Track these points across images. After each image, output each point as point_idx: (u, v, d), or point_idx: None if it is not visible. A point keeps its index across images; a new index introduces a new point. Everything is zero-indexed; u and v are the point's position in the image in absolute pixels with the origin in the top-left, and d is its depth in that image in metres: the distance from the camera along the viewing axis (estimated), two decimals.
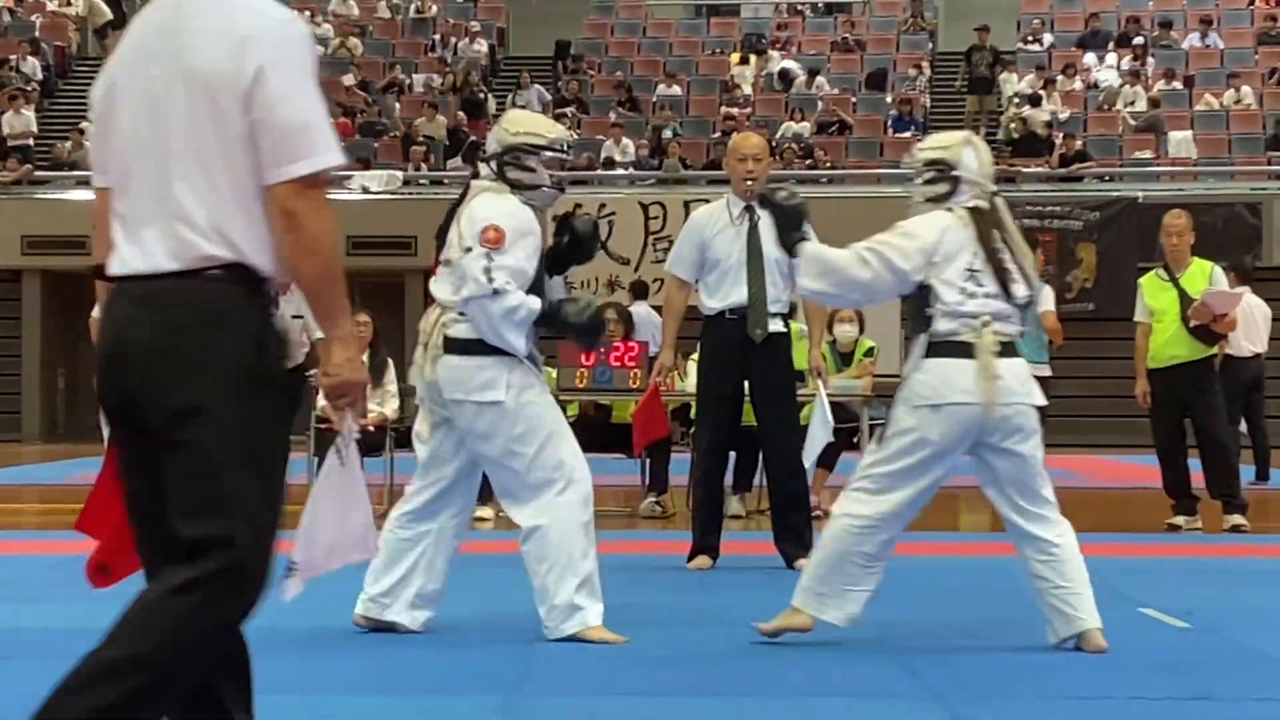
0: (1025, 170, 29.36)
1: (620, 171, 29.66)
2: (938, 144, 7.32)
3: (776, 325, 10.04)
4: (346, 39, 35.14)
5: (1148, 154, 30.30)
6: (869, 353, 14.42)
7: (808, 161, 30.12)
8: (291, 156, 3.98)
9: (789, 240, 7.38)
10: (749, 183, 10.05)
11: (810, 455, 9.90)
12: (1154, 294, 13.02)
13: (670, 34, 36.39)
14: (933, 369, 6.99)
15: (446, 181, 30.23)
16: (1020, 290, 7.02)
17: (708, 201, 10.69)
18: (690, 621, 8.00)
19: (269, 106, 3.95)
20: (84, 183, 30.22)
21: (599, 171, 29.72)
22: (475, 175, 7.50)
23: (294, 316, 14.31)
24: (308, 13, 36.14)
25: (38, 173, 30.12)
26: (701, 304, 10.20)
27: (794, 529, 10.09)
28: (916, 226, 7.07)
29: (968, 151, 7.17)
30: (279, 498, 4.00)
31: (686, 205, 26.41)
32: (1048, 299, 14.98)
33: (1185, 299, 12.74)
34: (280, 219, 3.97)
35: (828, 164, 30.32)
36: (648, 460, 14.41)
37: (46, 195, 28.58)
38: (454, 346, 7.19)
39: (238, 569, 3.87)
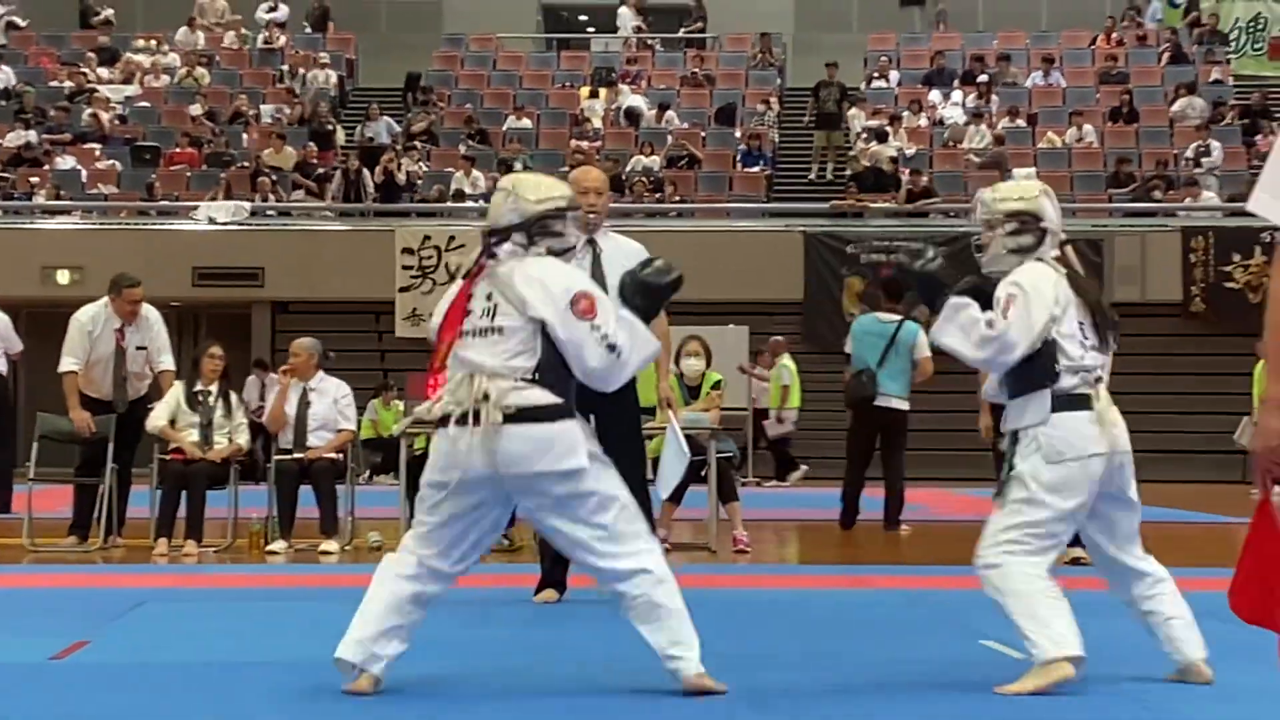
0: (873, 205, 29.64)
1: (470, 204, 29.61)
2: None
3: None
4: (193, 69, 34.87)
5: None
6: (716, 385, 14.47)
7: (657, 195, 30.23)
8: None
9: (935, 303, 7.37)
10: (591, 215, 10.07)
11: (666, 486, 9.84)
12: None
13: (520, 67, 36.43)
14: None
15: (294, 213, 30.09)
16: None
17: None
18: (540, 654, 7.98)
19: None
20: None
21: (449, 204, 29.69)
22: (489, 251, 6.95)
23: (138, 348, 14.24)
24: (154, 41, 35.91)
25: None
26: None
27: None
28: None
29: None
30: None
31: None
32: (924, 344, 15.40)
33: None
34: None
35: (677, 198, 30.44)
36: None
37: None
38: (520, 416, 6.71)
39: None
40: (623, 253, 10.01)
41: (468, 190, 30.06)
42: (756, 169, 31.73)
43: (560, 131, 33.23)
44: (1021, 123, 32.86)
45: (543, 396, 6.78)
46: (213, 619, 9.28)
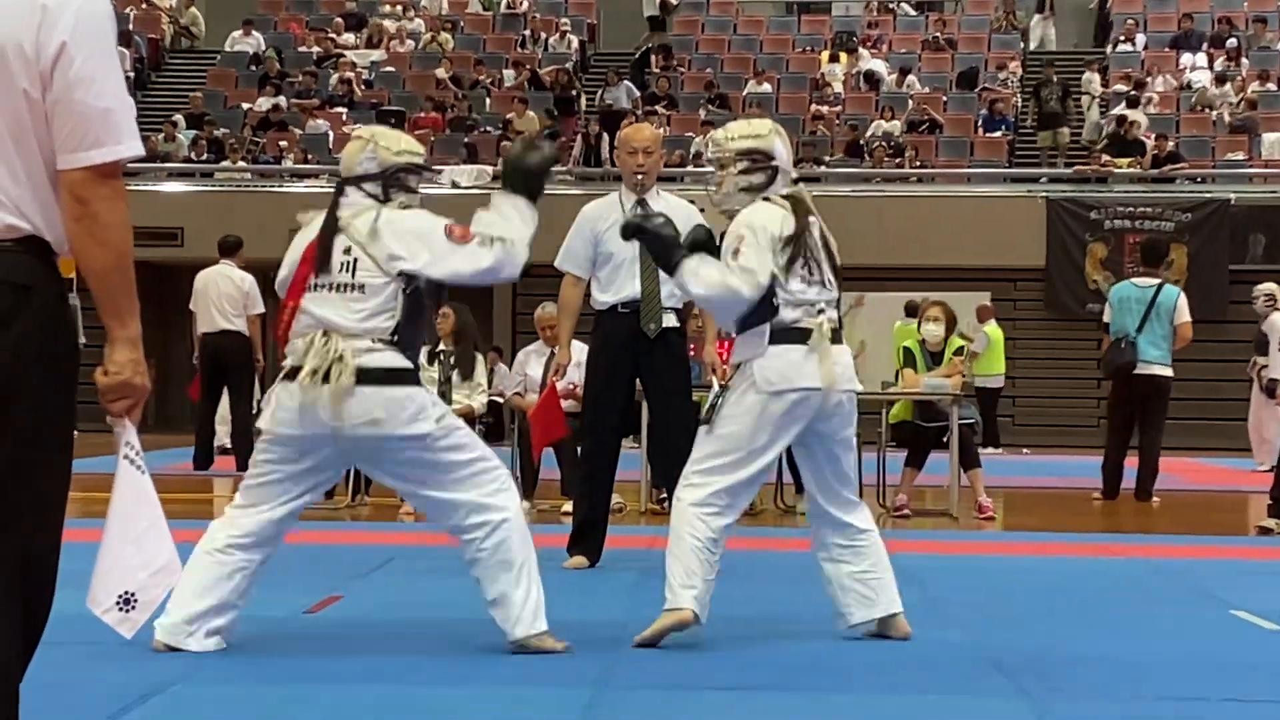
0: (1117, 170, 29.20)
1: (709, 169, 29.60)
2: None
3: (670, 320, 9.86)
4: (438, 34, 35.26)
5: (1240, 155, 30.06)
6: (959, 351, 14.38)
7: (897, 160, 30.03)
8: (90, 143, 3.75)
9: (670, 263, 7.25)
10: (639, 176, 9.86)
11: None
12: None
13: (761, 31, 36.36)
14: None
15: None
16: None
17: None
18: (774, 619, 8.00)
19: (70, 87, 3.70)
20: (176, 174, 30.50)
21: (688, 169, 29.72)
22: (338, 195, 6.97)
23: None
24: (400, 7, 36.36)
25: (130, 164, 30.32)
26: (593, 298, 9.99)
27: None
28: None
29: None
30: (68, 483, 3.80)
31: None
32: (1184, 308, 15.21)
33: None
34: (71, 206, 3.75)
35: (917, 163, 30.23)
36: None
37: (138, 187, 28.72)
38: (372, 377, 6.64)
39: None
40: (673, 213, 9.80)
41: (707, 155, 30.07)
42: (998, 134, 31.38)
43: (800, 96, 33.11)
44: (1272, 86, 32.14)
45: (395, 360, 6.73)
46: (457, 575, 9.39)
